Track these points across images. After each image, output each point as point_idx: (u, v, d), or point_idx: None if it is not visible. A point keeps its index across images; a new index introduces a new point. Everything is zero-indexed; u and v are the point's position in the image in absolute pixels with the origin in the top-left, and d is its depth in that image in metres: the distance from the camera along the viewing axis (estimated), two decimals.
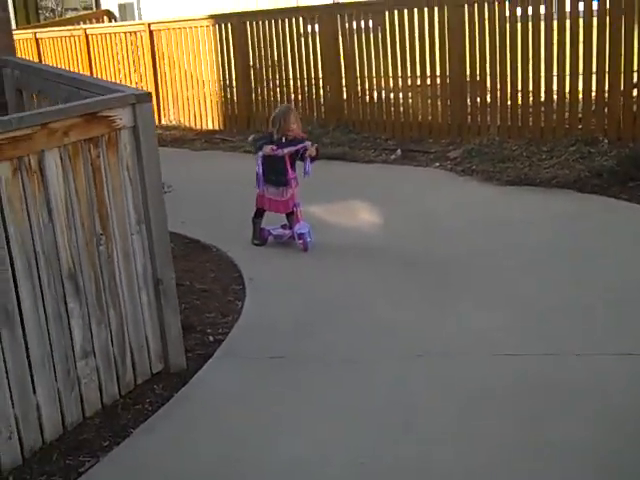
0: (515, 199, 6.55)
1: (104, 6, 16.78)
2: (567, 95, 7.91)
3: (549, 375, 3.65)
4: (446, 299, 4.65)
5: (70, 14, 18.50)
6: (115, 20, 15.73)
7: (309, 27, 9.96)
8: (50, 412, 3.39)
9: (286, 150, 5.64)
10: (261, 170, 5.58)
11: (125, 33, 11.98)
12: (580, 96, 7.86)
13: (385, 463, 3.09)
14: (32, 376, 3.30)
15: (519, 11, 8.05)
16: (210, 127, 11.15)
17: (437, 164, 8.10)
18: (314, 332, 4.34)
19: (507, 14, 8.12)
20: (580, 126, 7.83)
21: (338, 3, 11.90)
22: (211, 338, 4.39)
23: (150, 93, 3.86)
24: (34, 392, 3.32)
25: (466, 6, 8.36)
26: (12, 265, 3.20)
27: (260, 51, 10.46)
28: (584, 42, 7.64)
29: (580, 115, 7.88)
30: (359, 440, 3.26)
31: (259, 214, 5.97)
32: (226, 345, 4.27)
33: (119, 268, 3.73)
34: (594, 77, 7.67)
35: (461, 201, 6.71)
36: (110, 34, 12.21)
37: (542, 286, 4.68)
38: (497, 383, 3.61)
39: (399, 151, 8.63)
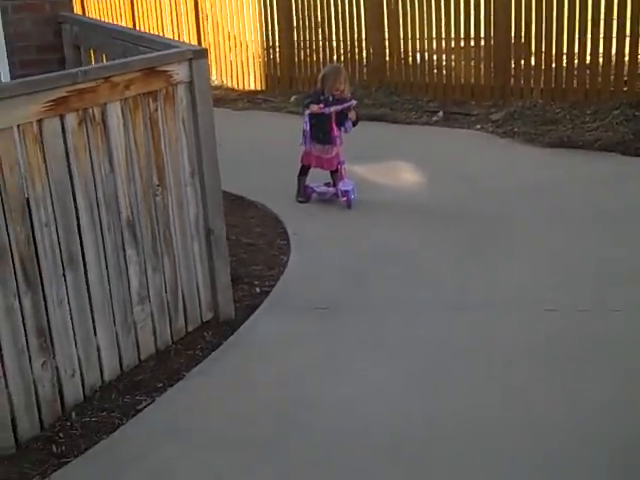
0: (557, 161, 6.59)
1: None
2: (613, 57, 7.85)
3: (588, 330, 3.74)
4: (489, 255, 4.74)
5: None
6: None
7: None
8: (109, 354, 3.57)
9: (332, 108, 5.74)
10: (308, 127, 5.69)
11: None
12: (626, 59, 7.80)
13: (424, 409, 3.23)
14: (93, 319, 3.48)
15: None
16: (252, 88, 11.23)
17: (479, 126, 8.12)
18: (358, 284, 4.48)
19: None
20: (625, 89, 7.79)
21: None
22: (258, 290, 4.54)
23: (206, 49, 3.97)
24: (95, 334, 3.50)
25: None
26: (76, 212, 3.36)
27: (304, 12, 10.47)
28: (632, 4, 7.57)
29: (625, 78, 7.83)
30: (401, 386, 3.40)
31: (304, 171, 6.09)
32: (273, 296, 4.42)
33: (173, 218, 3.87)
34: None
35: (502, 162, 6.76)
36: None
37: (584, 245, 4.75)
38: (536, 337, 3.72)
39: (441, 113, 8.66)
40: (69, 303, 3.34)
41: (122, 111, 3.53)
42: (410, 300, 4.23)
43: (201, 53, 3.89)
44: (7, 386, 3.09)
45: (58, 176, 3.26)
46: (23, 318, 3.13)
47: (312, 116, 5.72)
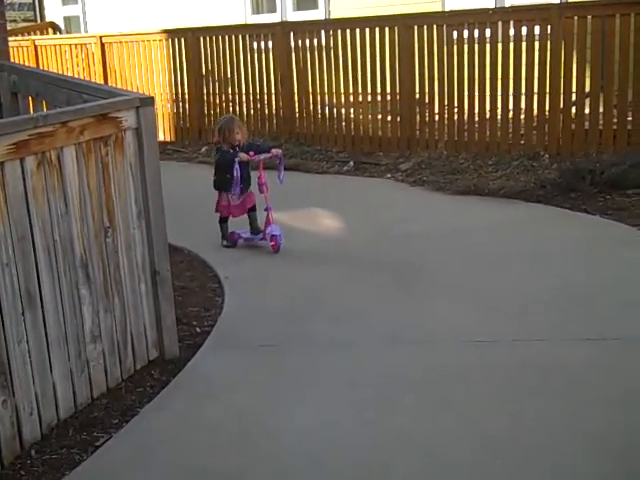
0: (468, 207, 7.00)
1: (49, 18, 16.74)
2: (510, 113, 8.45)
3: (515, 357, 4.05)
4: (414, 294, 5.03)
5: (10, 26, 18.38)
6: (60, 32, 15.75)
7: (262, 43, 10.31)
8: (64, 391, 3.62)
9: (262, 156, 5.98)
10: (239, 174, 5.84)
11: (76, 45, 12.11)
12: (522, 115, 8.41)
13: (382, 428, 3.43)
14: (50, 357, 3.53)
15: (466, 34, 8.57)
16: (162, 139, 11.35)
17: (389, 175, 8.52)
18: (295, 323, 4.66)
19: (455, 37, 8.62)
20: (522, 142, 8.38)
21: (291, 21, 12.27)
22: (198, 329, 4.66)
23: (153, 97, 4.15)
24: (51, 372, 3.55)
25: (416, 28, 8.84)
26: (34, 252, 3.44)
27: (213, 65, 10.74)
28: (527, 64, 8.20)
29: (522, 132, 8.43)
30: (352, 415, 3.59)
31: (224, 218, 6.28)
32: (214, 336, 4.55)
33: (122, 259, 3.99)
34: (535, 97, 8.22)
35: (415, 209, 7.14)
36: (60, 45, 12.32)
37: (499, 282, 5.11)
38: (472, 364, 4.00)
39: (352, 163, 9.03)
40: (28, 342, 3.40)
41: (77, 155, 3.66)
42: (347, 335, 4.45)
43: (148, 101, 4.06)
44: None
45: (18, 217, 3.35)
46: None
47: (239, 164, 5.90)
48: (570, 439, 3.29)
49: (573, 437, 3.30)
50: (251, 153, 5.96)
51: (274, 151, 6.13)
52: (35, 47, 12.49)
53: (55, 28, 15.71)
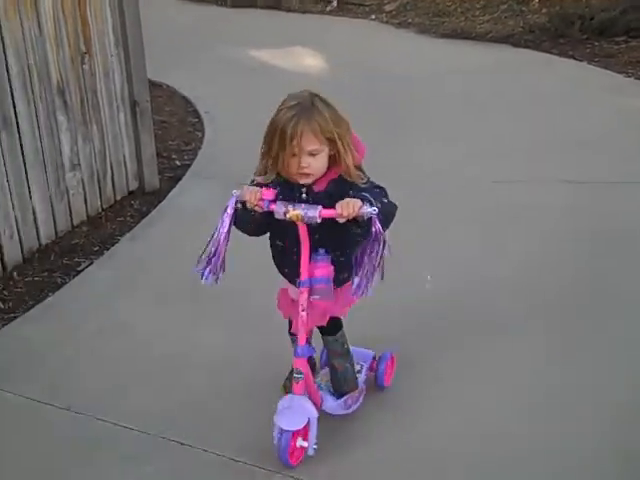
0: (453, 50, 6.87)
1: None
2: None
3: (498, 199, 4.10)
4: (406, 136, 4.97)
5: None
6: None
7: None
8: (44, 217, 3.64)
9: (305, 212, 2.21)
10: (222, 236, 2.41)
11: None
12: None
13: None
14: (28, 182, 3.52)
15: None
16: None
17: (373, 16, 8.28)
18: None
19: None
20: None
21: None
22: (178, 163, 4.66)
23: None
24: (30, 197, 3.54)
25: None
26: (8, 73, 3.35)
27: None
28: None
29: None
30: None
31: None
32: (194, 169, 4.54)
33: (100, 86, 3.90)
34: None
35: (402, 51, 6.97)
36: None
37: (481, 126, 5.09)
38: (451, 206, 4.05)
39: (335, 2, 8.74)
40: (5, 165, 3.37)
41: None
42: None
43: None
44: None
45: None
46: None
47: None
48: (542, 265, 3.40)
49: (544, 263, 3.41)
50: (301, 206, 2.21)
51: (349, 209, 2.13)
52: None
53: None
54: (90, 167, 3.89)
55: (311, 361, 2.60)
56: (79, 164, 3.81)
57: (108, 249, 3.69)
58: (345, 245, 2.28)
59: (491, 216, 3.88)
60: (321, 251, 2.26)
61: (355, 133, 2.30)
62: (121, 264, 3.57)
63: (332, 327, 2.46)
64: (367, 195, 2.14)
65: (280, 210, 2.17)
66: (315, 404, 2.42)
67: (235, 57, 6.68)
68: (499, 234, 3.72)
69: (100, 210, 3.99)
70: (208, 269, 2.31)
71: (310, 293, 2.28)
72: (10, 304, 3.22)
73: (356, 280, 2.27)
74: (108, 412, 2.59)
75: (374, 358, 2.73)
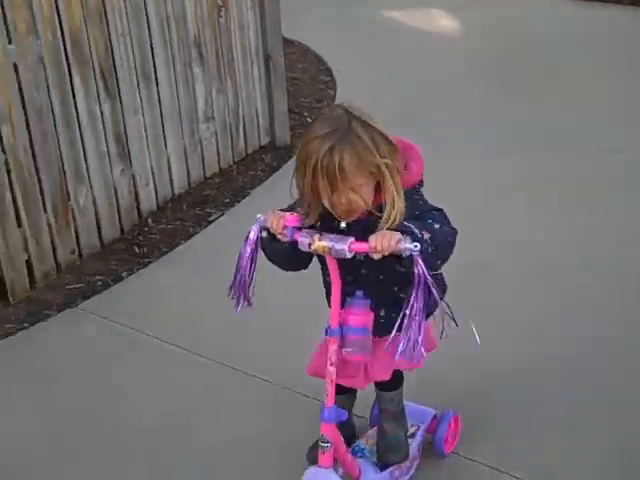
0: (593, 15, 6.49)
1: None
2: None
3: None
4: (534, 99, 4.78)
5: None
6: None
7: None
8: (179, 167, 3.72)
9: (333, 245, 1.84)
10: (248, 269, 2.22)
11: None
12: None
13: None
14: (164, 132, 3.60)
15: None
16: None
17: None
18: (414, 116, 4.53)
19: None
20: None
21: None
22: (309, 120, 4.63)
23: None
24: (165, 147, 3.62)
25: None
26: (148, 27, 3.42)
27: None
28: None
29: None
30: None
31: None
32: None
33: (235, 40, 3.93)
34: None
35: (544, 16, 6.64)
36: None
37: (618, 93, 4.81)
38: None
39: None
40: (143, 115, 3.46)
41: None
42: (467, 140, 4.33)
43: None
44: (92, 187, 3.26)
45: None
46: (103, 124, 3.26)
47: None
48: None
49: None
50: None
51: (384, 242, 1.70)
52: None
53: None
54: (223, 120, 3.94)
55: (349, 428, 2.13)
56: (213, 117, 3.86)
57: (239, 201, 3.74)
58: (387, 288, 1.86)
59: None
60: (358, 294, 1.82)
61: (414, 143, 1.85)
62: (250, 216, 3.59)
63: (392, 381, 2.02)
64: (410, 226, 1.68)
65: (305, 240, 1.78)
66: (351, 475, 2.00)
67: (371, 17, 6.56)
68: None
69: (232, 163, 4.03)
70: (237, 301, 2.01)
71: (342, 345, 1.83)
72: (145, 249, 3.33)
73: (400, 338, 1.75)
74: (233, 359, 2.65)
75: (435, 417, 2.25)
